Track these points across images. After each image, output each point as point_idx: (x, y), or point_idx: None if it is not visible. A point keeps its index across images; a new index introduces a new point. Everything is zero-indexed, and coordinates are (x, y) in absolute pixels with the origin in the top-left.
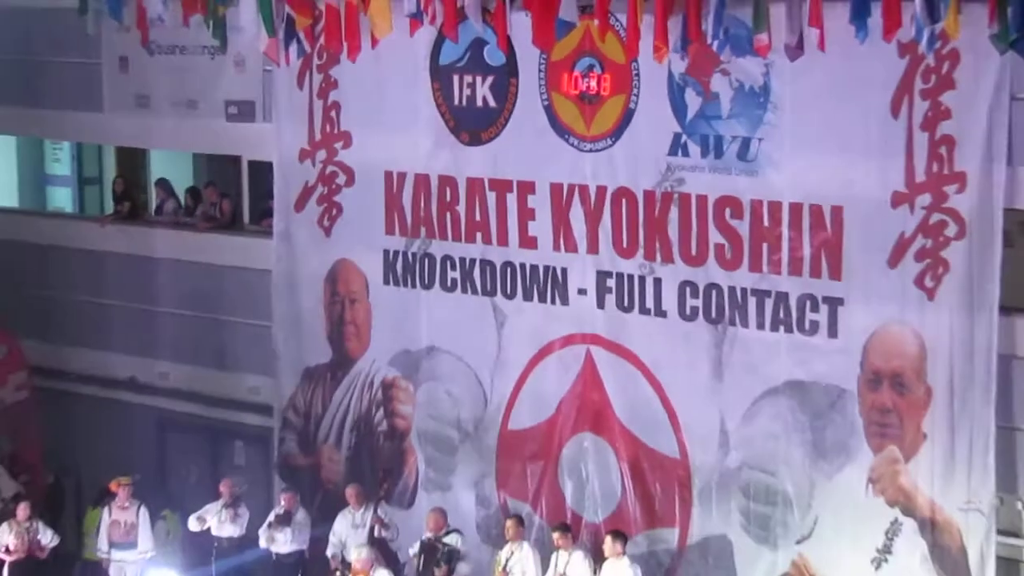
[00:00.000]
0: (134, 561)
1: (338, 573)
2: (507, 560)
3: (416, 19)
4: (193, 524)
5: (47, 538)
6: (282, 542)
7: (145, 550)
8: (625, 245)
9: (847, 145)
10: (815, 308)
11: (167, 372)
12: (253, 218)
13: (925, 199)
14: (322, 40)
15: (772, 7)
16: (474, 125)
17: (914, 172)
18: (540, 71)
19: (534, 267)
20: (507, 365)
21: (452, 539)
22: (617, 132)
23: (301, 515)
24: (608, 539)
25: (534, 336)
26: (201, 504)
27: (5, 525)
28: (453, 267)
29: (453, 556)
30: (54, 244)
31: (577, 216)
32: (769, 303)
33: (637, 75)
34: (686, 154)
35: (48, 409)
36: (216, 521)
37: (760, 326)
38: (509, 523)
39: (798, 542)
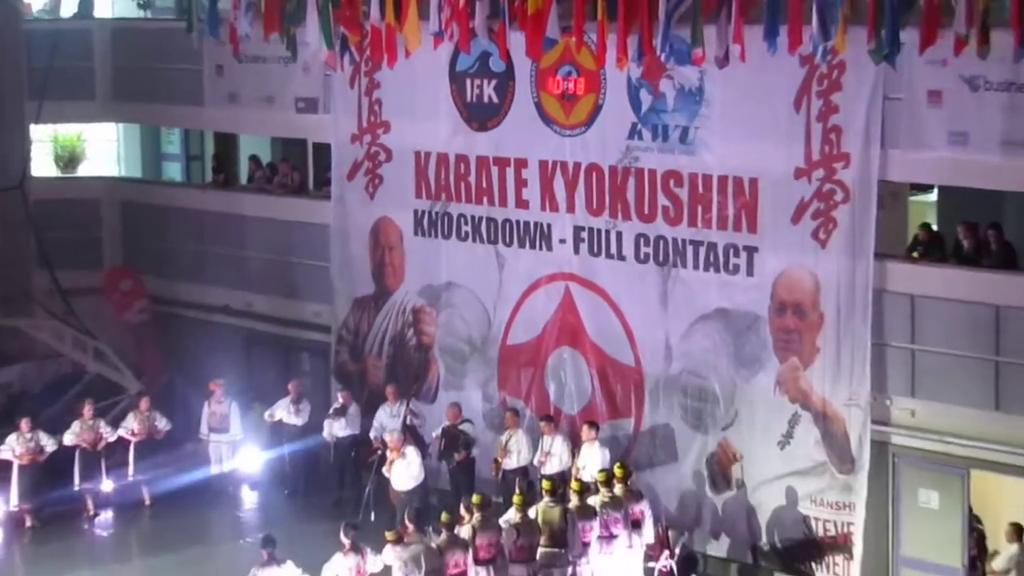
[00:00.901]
0: (227, 442)
1: (379, 451)
2: (507, 442)
3: (439, 36)
4: (267, 417)
5: (162, 424)
6: (339, 428)
7: (235, 434)
8: (595, 206)
9: (761, 132)
10: (737, 254)
11: (252, 301)
12: (316, 186)
13: (819, 173)
14: (368, 51)
15: (705, 28)
16: (482, 116)
17: (811, 153)
18: (531, 76)
19: (526, 223)
20: (506, 296)
21: (466, 427)
22: (589, 122)
23: (353, 408)
24: (584, 427)
25: (526, 275)
26: (278, 400)
27: (131, 415)
28: (465, 223)
29: (467, 440)
30: (167, 205)
31: (559, 184)
32: (703, 250)
33: (604, 79)
34: (641, 138)
35: (163, 328)
36: (285, 413)
37: (696, 267)
38: (508, 415)
39: (723, 429)
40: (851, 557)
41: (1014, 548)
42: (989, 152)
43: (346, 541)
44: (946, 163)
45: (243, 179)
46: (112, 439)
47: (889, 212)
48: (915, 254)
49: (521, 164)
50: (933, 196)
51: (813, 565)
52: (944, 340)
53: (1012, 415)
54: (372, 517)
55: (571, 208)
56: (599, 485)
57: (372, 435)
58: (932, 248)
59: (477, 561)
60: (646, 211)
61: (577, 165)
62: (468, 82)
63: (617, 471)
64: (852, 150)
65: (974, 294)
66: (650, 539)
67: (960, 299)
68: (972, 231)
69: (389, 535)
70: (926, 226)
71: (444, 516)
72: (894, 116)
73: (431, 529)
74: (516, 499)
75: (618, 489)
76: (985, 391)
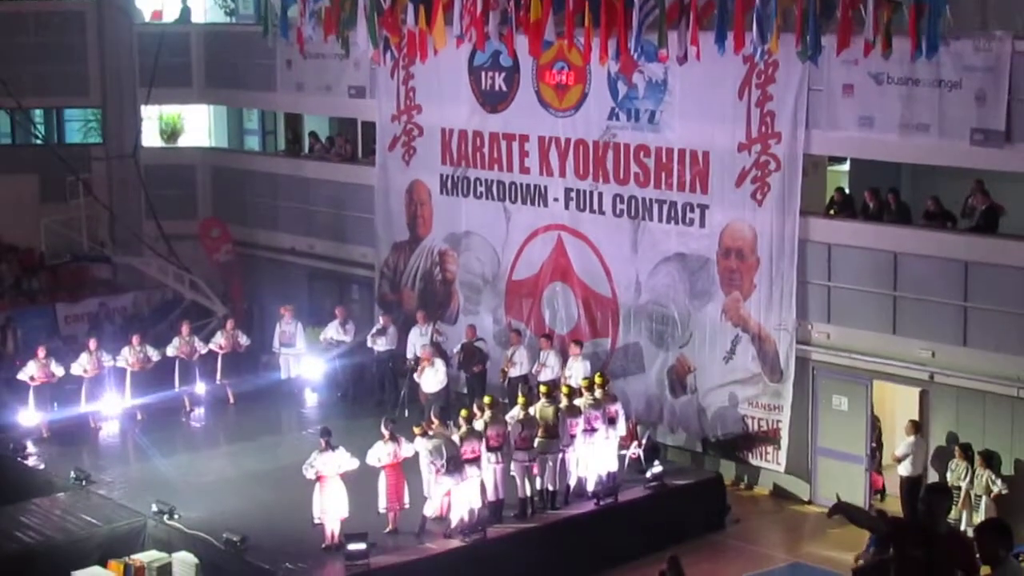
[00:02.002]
0: (294, 355)
1: (412, 362)
2: (512, 355)
3: (460, 38)
4: (321, 337)
5: (244, 340)
6: (381, 344)
7: (300, 349)
8: (581, 172)
9: (712, 115)
10: (692, 211)
11: (313, 244)
12: (364, 155)
13: (757, 147)
14: (405, 50)
15: (669, 33)
16: (493, 101)
17: (751, 131)
18: (532, 70)
19: (527, 185)
20: (511, 242)
21: (480, 343)
22: (578, 106)
23: (391, 329)
24: (571, 344)
25: (527, 225)
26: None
27: (219, 332)
28: (480, 184)
29: (483, 355)
30: (248, 169)
31: (553, 155)
32: (665, 207)
33: (589, 73)
34: (618, 119)
35: (244, 265)
36: (335, 333)
37: (660, 220)
38: (512, 334)
39: (680, 347)
40: (779, 448)
41: (911, 439)
42: (890, 132)
43: (386, 432)
44: (856, 141)
45: (308, 149)
46: (204, 352)
47: (811, 179)
48: (831, 212)
49: (524, 139)
50: (846, 166)
51: (749, 453)
52: (853, 279)
53: (906, 337)
54: (406, 413)
55: (563, 174)
56: (583, 390)
57: (408, 354)
58: (845, 207)
59: (489, 448)
60: (621, 176)
61: (568, 140)
62: (483, 74)
63: (597, 379)
64: (783, 130)
65: (877, 243)
66: (623, 432)
67: (866, 247)
68: (875, 194)
69: (417, 429)
70: (840, 190)
71: (463, 412)
72: (816, 103)
73: (452, 423)
74: (520, 400)
75: (598, 393)
76: (884, 319)
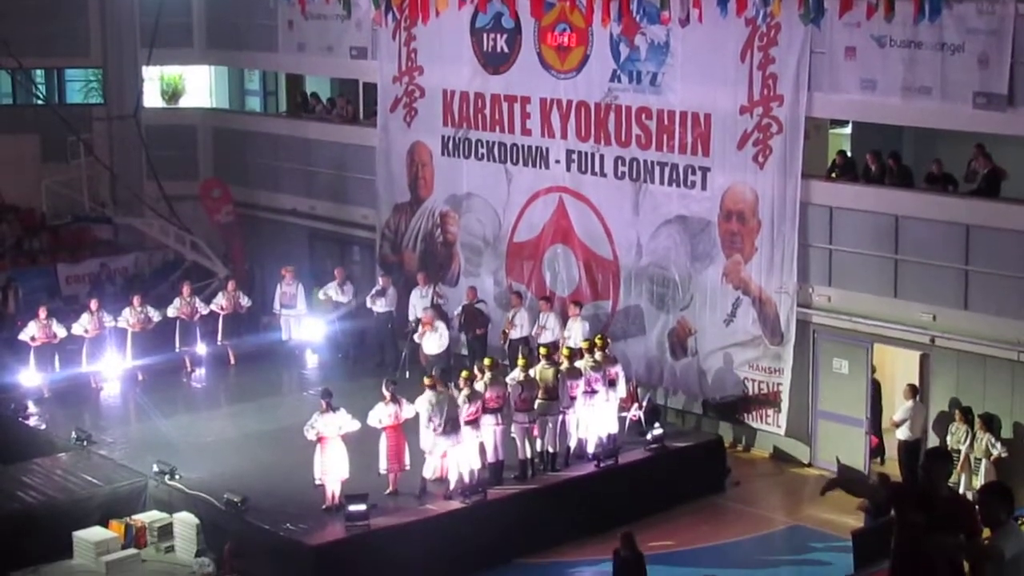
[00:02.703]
0: (295, 316)
1: (413, 324)
2: (512, 317)
3: (462, 0)
4: (320, 296)
5: (245, 301)
6: (380, 306)
7: (301, 310)
8: (583, 135)
9: (714, 78)
10: (694, 173)
11: (314, 205)
12: (365, 116)
13: (759, 110)
14: (407, 11)
15: None
16: (495, 63)
17: (753, 94)
18: (534, 32)
19: (529, 147)
20: (512, 204)
21: (481, 306)
22: (579, 68)
23: (391, 290)
24: (571, 306)
25: (528, 187)
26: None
27: (220, 293)
28: (482, 146)
29: (484, 319)
30: (249, 130)
31: (555, 117)
32: (667, 169)
33: (591, 35)
34: (620, 82)
35: (245, 226)
36: (334, 293)
37: (662, 183)
38: (513, 296)
39: (681, 309)
40: (779, 411)
41: (910, 403)
42: (892, 95)
43: (387, 393)
44: (858, 104)
45: (311, 110)
46: (205, 312)
47: (813, 142)
48: (833, 175)
49: (526, 101)
50: (848, 129)
51: (749, 416)
52: (854, 242)
53: (907, 301)
54: (407, 375)
55: (564, 136)
56: (584, 352)
57: (411, 316)
58: (846, 170)
59: (489, 410)
60: (623, 138)
61: (569, 102)
62: (485, 36)
63: (598, 341)
64: (785, 93)
65: (878, 206)
66: (623, 394)
67: (867, 210)
68: (877, 157)
69: (427, 380)
70: (842, 153)
71: (464, 374)
72: (818, 66)
73: (453, 385)
74: (520, 362)
75: (599, 355)
76: (885, 282)
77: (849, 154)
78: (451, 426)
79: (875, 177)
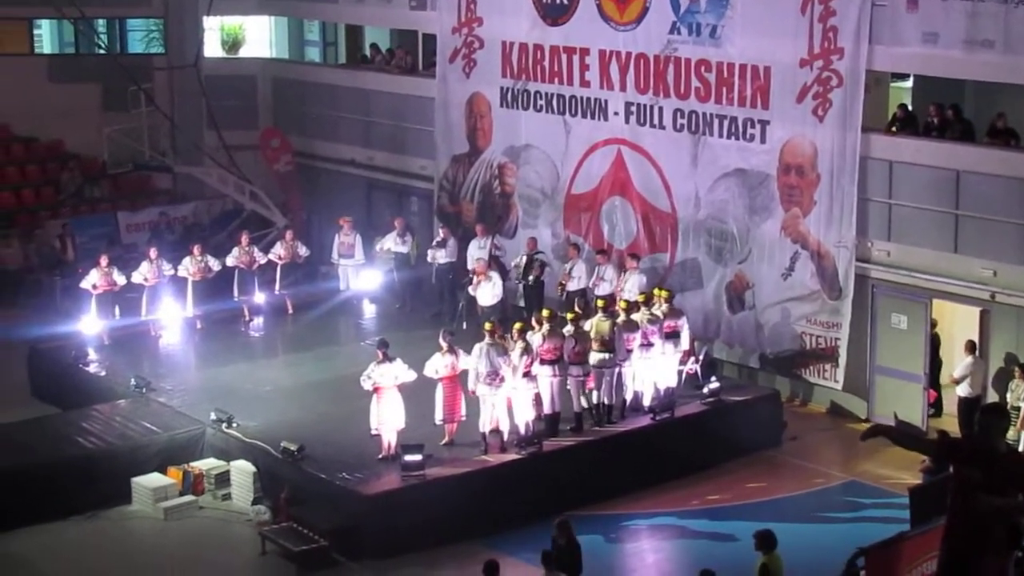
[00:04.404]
0: (353, 266)
1: (470, 275)
2: (570, 269)
3: None
4: (378, 247)
5: (303, 251)
6: (441, 257)
7: (359, 260)
8: (642, 87)
9: (774, 31)
10: (753, 126)
11: (373, 156)
12: (424, 67)
13: (819, 63)
14: None
15: None
16: (554, 14)
17: (813, 47)
18: None
19: (587, 98)
20: (571, 155)
21: (540, 256)
22: (639, 20)
23: (452, 241)
24: (628, 258)
25: (587, 139)
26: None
27: (279, 243)
28: (540, 97)
29: (542, 264)
30: (308, 80)
31: (614, 69)
32: (726, 122)
33: None
34: (679, 34)
35: (304, 176)
36: (392, 244)
37: (720, 135)
38: (570, 248)
39: (739, 263)
40: (837, 365)
41: (969, 359)
42: (954, 48)
43: (444, 344)
44: (919, 57)
45: (370, 60)
46: (263, 262)
47: (873, 95)
48: (893, 129)
49: (584, 53)
50: (909, 83)
51: (806, 370)
52: (914, 196)
53: (966, 256)
54: (464, 326)
55: (623, 88)
56: (640, 304)
57: (469, 265)
58: (907, 124)
59: (543, 361)
60: (682, 91)
61: (628, 54)
62: None
63: (663, 293)
64: (846, 45)
65: (939, 161)
66: (686, 347)
67: (928, 164)
68: (939, 111)
69: (488, 326)
70: (903, 106)
71: (518, 325)
72: (879, 18)
73: (508, 336)
74: (570, 316)
75: (664, 307)
76: (945, 237)
77: (910, 108)
78: (492, 376)
79: (936, 129)
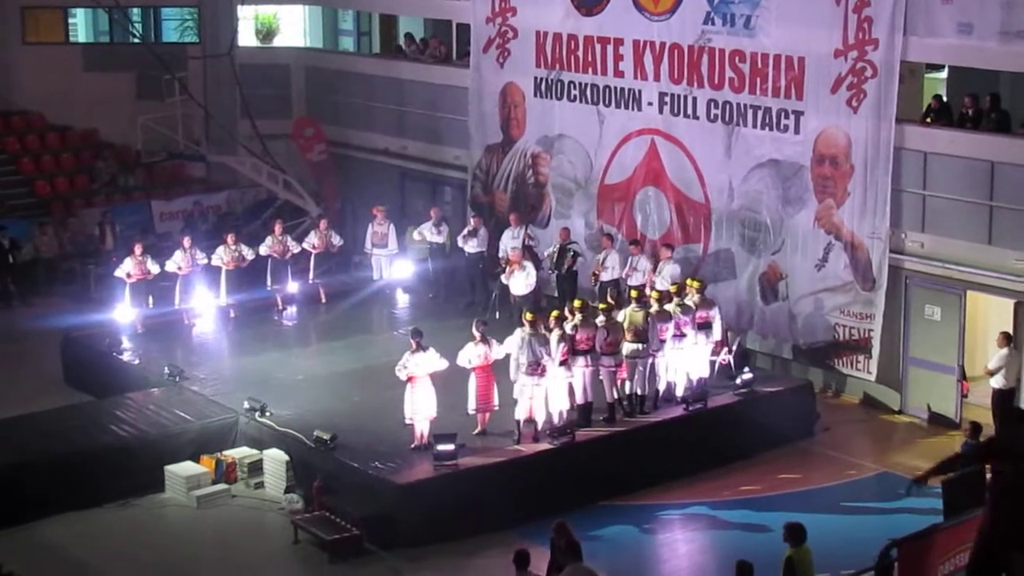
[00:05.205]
0: (386, 256)
1: (503, 263)
2: (603, 259)
3: None
4: (415, 236)
5: (336, 240)
6: (472, 246)
7: (392, 249)
8: (675, 77)
9: (808, 21)
10: (787, 117)
11: (406, 145)
12: (458, 56)
13: (853, 53)
14: None
15: None
16: (588, 4)
17: (847, 37)
18: None
19: (621, 88)
20: (604, 146)
21: (573, 246)
22: (673, 10)
23: (483, 230)
24: (662, 248)
25: (620, 129)
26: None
27: (312, 232)
28: (574, 87)
29: (575, 254)
30: (342, 69)
31: (648, 59)
32: (760, 112)
33: None
34: (713, 24)
35: (337, 165)
36: (429, 233)
37: (754, 126)
38: (604, 238)
39: (772, 253)
40: (870, 356)
41: (1004, 351)
42: (989, 39)
43: (477, 334)
44: (954, 48)
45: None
46: (297, 251)
47: (908, 86)
48: (928, 119)
49: (618, 43)
50: (943, 73)
51: (839, 361)
52: (949, 188)
53: (1001, 248)
54: (497, 315)
55: (656, 78)
56: (672, 294)
57: (500, 254)
58: (941, 115)
59: (577, 351)
60: (716, 81)
61: (663, 44)
62: None
63: (695, 284)
64: (880, 36)
65: (974, 152)
66: (718, 337)
67: (962, 156)
68: (974, 102)
69: (529, 316)
70: (937, 97)
71: (554, 314)
72: (914, 9)
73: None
74: (602, 306)
75: (696, 298)
76: (980, 228)
77: (944, 98)
78: (535, 366)
79: (972, 119)
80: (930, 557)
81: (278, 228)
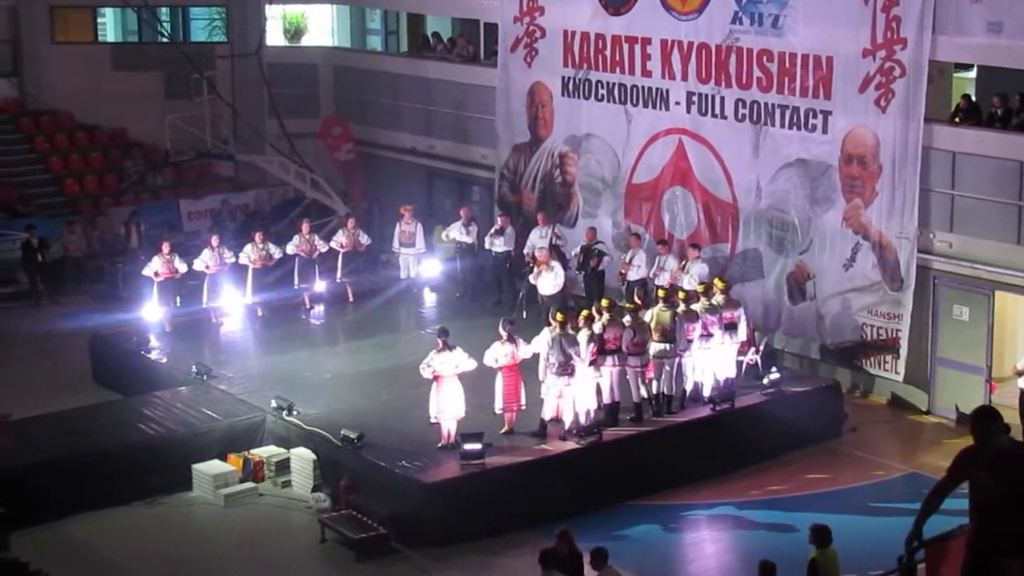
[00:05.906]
0: (413, 255)
1: (530, 264)
2: (631, 259)
3: None
4: (444, 236)
5: (364, 239)
6: (499, 245)
7: (420, 248)
8: (703, 76)
9: (836, 20)
10: (815, 116)
11: (434, 145)
12: (486, 56)
13: (882, 53)
14: None
15: None
16: (616, 3)
17: (876, 37)
18: None
19: (649, 88)
20: (632, 145)
21: (599, 246)
22: (701, 9)
23: (510, 229)
24: (689, 248)
25: (648, 129)
26: (452, 222)
27: (340, 231)
28: (602, 87)
29: (601, 254)
30: (370, 68)
31: (675, 59)
32: (788, 112)
33: None
34: (741, 23)
35: (365, 164)
36: (458, 233)
37: (782, 126)
38: (631, 237)
39: (800, 253)
40: (898, 357)
41: None
42: (1018, 38)
43: (504, 333)
44: (983, 47)
45: (432, 48)
46: (324, 250)
47: (936, 85)
48: (956, 119)
49: (646, 42)
50: (972, 73)
51: (867, 361)
52: (977, 188)
53: None
54: (524, 315)
55: (684, 77)
56: (699, 294)
57: (525, 251)
58: (970, 114)
59: (604, 351)
60: (744, 81)
61: (690, 44)
62: None
63: (720, 284)
64: (909, 35)
65: (1003, 151)
66: (743, 337)
67: (991, 155)
68: (1003, 101)
69: (559, 316)
70: (966, 97)
71: (584, 313)
72: (943, 8)
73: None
74: (629, 306)
75: (720, 298)
76: (1009, 229)
77: (973, 98)
78: (564, 367)
79: (1002, 119)
80: (957, 558)
81: (306, 227)
